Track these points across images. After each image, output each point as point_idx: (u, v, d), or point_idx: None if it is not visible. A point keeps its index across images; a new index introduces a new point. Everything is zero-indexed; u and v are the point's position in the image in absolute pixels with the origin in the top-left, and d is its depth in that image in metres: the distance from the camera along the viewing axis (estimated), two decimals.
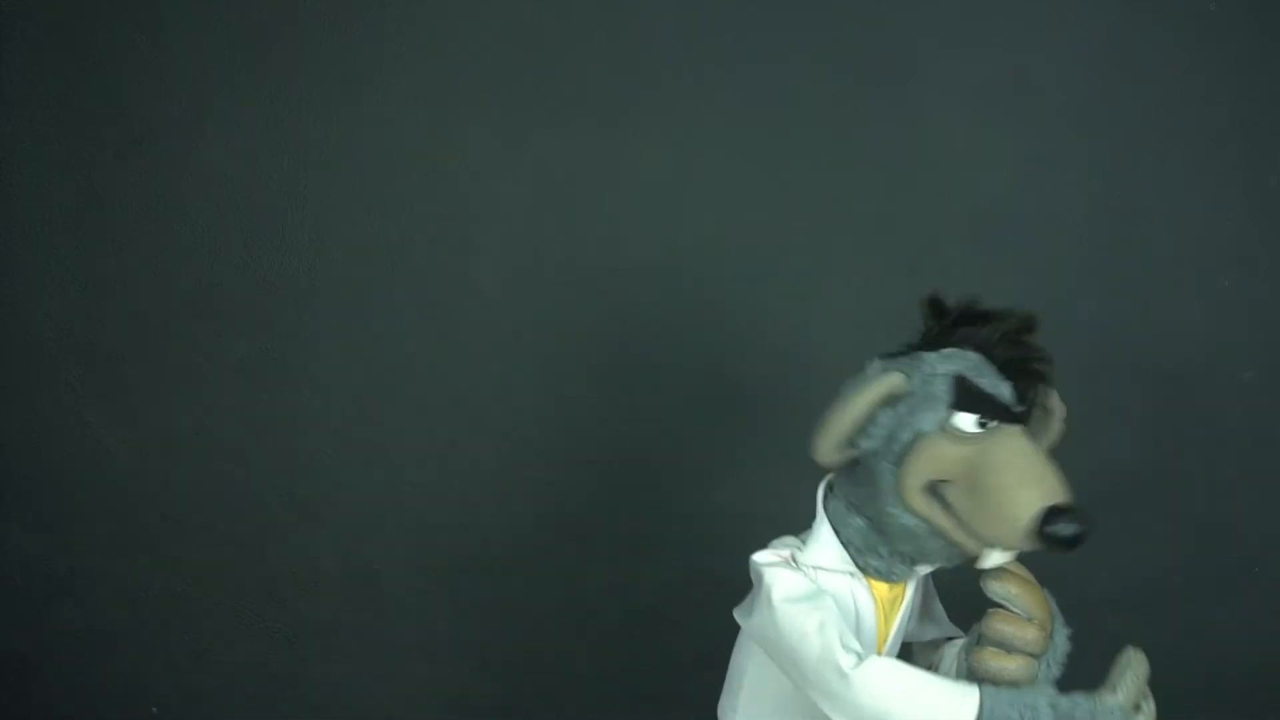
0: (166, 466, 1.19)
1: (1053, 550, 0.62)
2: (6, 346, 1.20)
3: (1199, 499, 1.01)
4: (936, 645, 0.79)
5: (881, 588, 0.71)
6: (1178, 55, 0.97)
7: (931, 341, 0.70)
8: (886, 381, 0.68)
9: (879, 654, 0.70)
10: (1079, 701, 0.62)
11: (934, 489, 0.66)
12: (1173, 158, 0.98)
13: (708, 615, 1.08)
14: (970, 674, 0.69)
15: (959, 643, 0.75)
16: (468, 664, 1.17)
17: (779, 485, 1.09)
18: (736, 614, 0.72)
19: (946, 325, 0.70)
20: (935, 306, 0.72)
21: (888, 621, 0.72)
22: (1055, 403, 0.70)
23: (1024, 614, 0.69)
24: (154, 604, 1.22)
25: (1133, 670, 0.65)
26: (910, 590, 0.73)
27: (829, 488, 0.74)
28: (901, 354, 0.71)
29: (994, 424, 0.66)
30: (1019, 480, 0.64)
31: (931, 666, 0.76)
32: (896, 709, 0.62)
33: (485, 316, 1.11)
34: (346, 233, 1.13)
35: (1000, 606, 0.69)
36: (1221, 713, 1.04)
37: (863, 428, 0.69)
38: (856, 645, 0.65)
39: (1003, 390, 0.66)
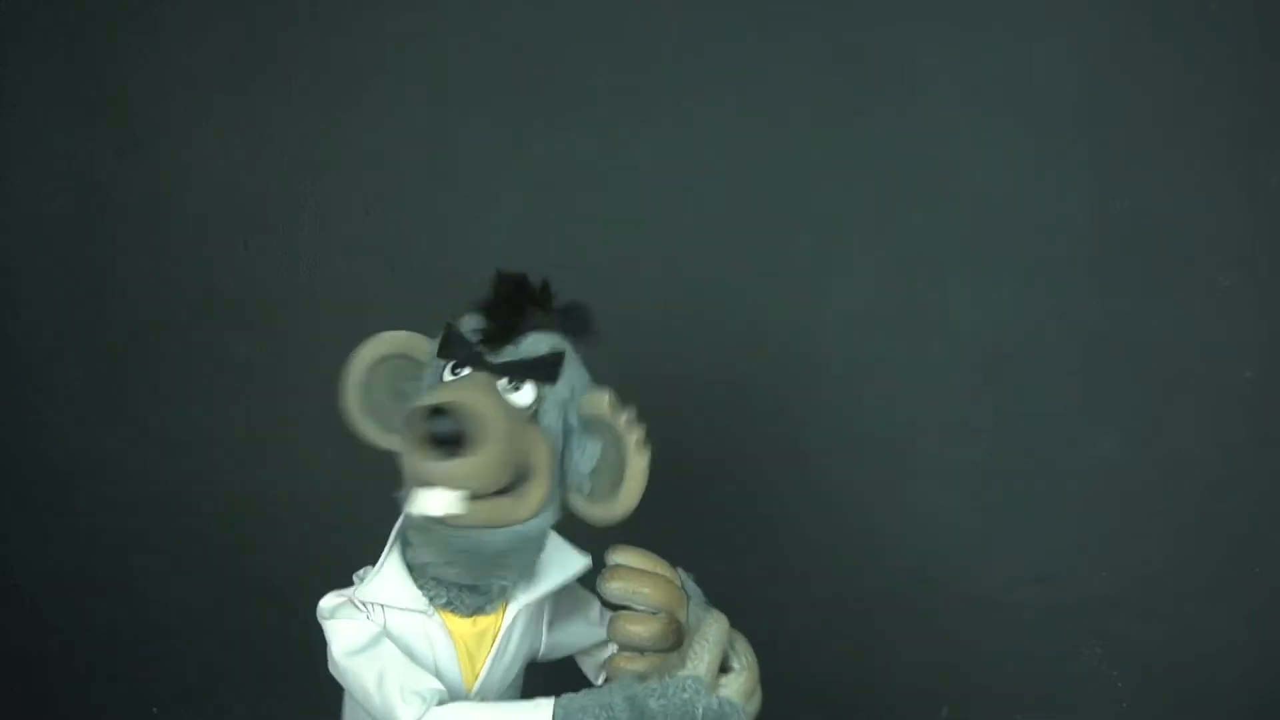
0: (166, 466, 1.19)
1: (439, 452, 0.61)
2: (6, 346, 1.20)
3: (1199, 499, 1.01)
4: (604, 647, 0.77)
5: (461, 624, 0.69)
6: (1178, 55, 0.97)
7: None
8: (389, 338, 0.69)
9: (468, 691, 0.69)
10: (653, 687, 0.61)
11: None
12: (1173, 158, 0.98)
13: None
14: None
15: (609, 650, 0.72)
16: None
17: (780, 484, 1.09)
18: None
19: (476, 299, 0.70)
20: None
21: (474, 660, 0.70)
22: (605, 405, 0.69)
23: (648, 609, 0.64)
24: (154, 604, 1.22)
25: (706, 635, 0.63)
26: (508, 621, 0.70)
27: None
28: None
29: (465, 370, 0.66)
30: (412, 416, 0.63)
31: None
32: None
33: None
34: (346, 233, 1.13)
35: (624, 608, 0.65)
36: (1220, 713, 1.04)
37: (392, 397, 0.69)
38: (428, 684, 0.64)
39: (477, 338, 0.67)
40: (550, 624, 0.76)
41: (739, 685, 0.63)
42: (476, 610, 0.69)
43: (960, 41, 1.00)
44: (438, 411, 0.61)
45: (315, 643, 1.19)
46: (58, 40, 1.15)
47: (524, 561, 0.69)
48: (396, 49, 1.10)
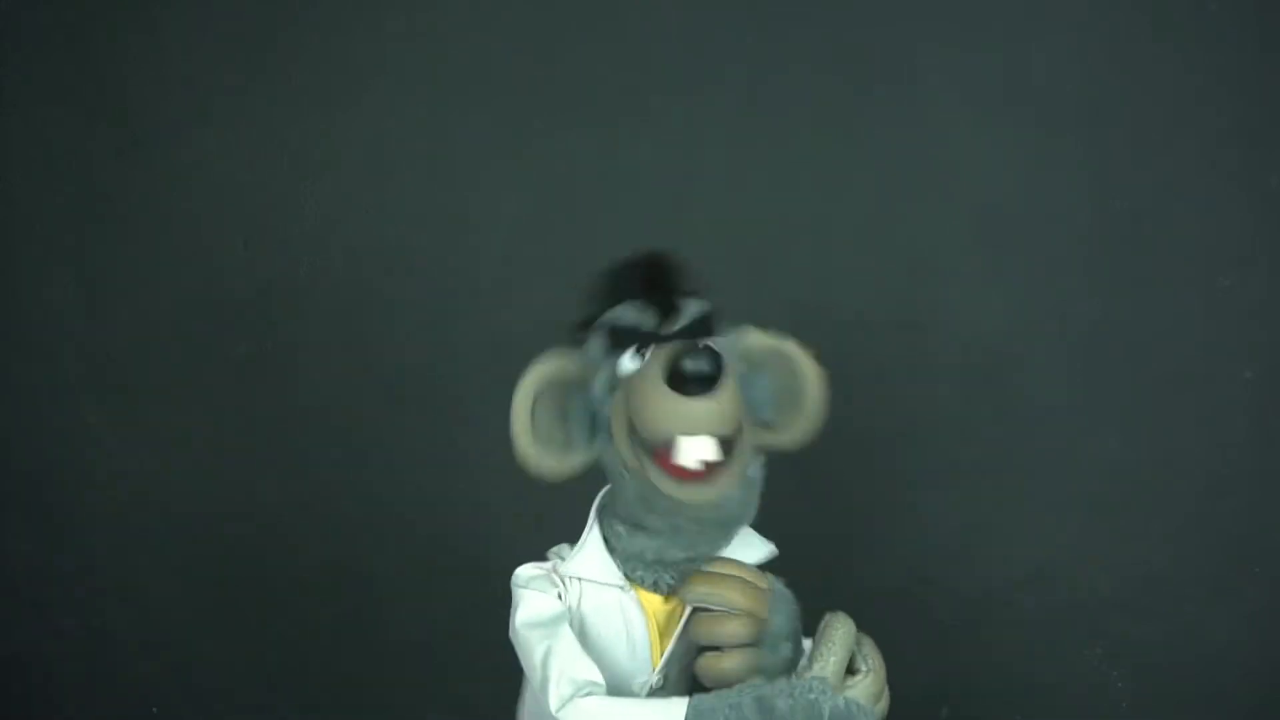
0: (166, 466, 1.19)
1: (691, 389, 0.62)
2: (6, 346, 1.20)
3: (1198, 499, 1.01)
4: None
5: (655, 601, 0.70)
6: (1178, 55, 0.97)
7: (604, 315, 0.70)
8: (537, 371, 0.69)
9: (655, 667, 0.70)
10: (781, 687, 0.62)
11: (635, 437, 0.66)
12: (1173, 158, 0.98)
13: None
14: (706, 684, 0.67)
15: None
16: (468, 664, 1.17)
17: (778, 484, 1.09)
18: None
19: (605, 295, 0.70)
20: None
21: (663, 637, 0.71)
22: (787, 347, 0.70)
23: (724, 609, 0.67)
24: (154, 604, 1.22)
25: (832, 636, 0.65)
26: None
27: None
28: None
29: (650, 349, 0.66)
30: (660, 359, 0.64)
31: None
32: None
33: (485, 317, 1.11)
34: (346, 233, 1.13)
35: (703, 610, 0.68)
36: (1220, 713, 1.04)
37: (560, 422, 0.69)
38: (586, 675, 0.65)
39: (645, 319, 0.67)
40: None
41: (866, 687, 0.64)
42: (673, 590, 0.70)
43: (960, 41, 1.00)
44: (690, 351, 0.62)
45: (315, 642, 1.20)
46: (58, 40, 1.15)
47: (744, 518, 0.71)
48: (396, 49, 1.10)
